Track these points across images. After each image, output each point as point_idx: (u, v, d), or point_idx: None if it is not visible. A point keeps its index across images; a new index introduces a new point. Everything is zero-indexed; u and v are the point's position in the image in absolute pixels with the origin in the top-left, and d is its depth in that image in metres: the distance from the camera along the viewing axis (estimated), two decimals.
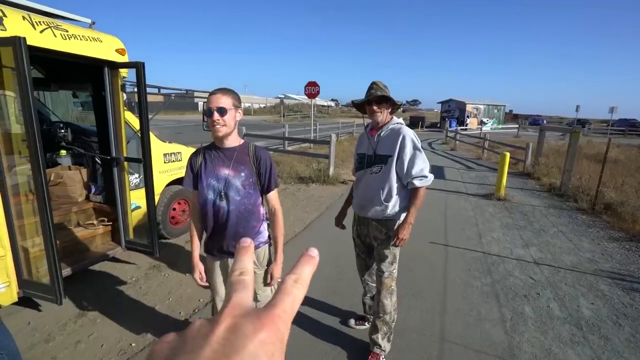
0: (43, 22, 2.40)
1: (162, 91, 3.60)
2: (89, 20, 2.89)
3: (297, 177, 7.51)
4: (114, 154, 3.06)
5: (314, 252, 0.31)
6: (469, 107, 32.53)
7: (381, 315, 2.10)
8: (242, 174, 1.65)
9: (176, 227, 4.06)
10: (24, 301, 2.50)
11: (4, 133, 2.29)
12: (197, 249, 1.78)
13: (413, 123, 33.07)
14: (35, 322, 2.49)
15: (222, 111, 1.56)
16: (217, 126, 1.57)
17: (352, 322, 2.52)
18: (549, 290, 3.12)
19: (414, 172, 1.92)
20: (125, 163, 3.10)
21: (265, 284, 1.83)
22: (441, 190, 6.89)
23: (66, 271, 2.77)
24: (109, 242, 3.32)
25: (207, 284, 1.83)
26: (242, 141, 1.72)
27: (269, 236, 1.84)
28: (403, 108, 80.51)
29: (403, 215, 2.03)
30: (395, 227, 2.02)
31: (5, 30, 2.15)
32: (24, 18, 2.29)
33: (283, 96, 67.04)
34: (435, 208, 5.58)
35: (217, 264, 1.80)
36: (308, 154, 9.30)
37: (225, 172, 1.64)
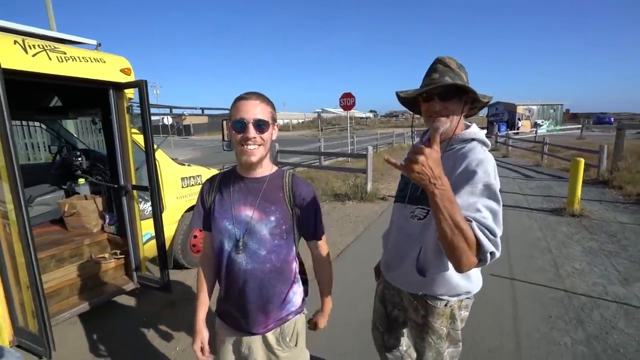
0: (37, 45, 2.22)
1: (174, 111, 3.36)
2: (94, 42, 2.74)
3: (333, 194, 7.01)
4: (121, 182, 2.82)
5: None
6: (519, 109, 30.10)
7: None
8: (272, 218, 1.14)
9: (197, 255, 3.76)
10: None
11: None
12: (203, 308, 1.27)
13: None
14: None
15: (262, 125, 1.06)
16: (251, 147, 1.06)
17: None
18: None
19: None
20: (134, 191, 2.85)
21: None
22: None
23: (76, 310, 2.57)
24: (122, 277, 3.07)
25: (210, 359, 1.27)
26: (274, 168, 1.20)
27: (303, 300, 1.30)
28: None
29: (461, 293, 1.19)
30: (444, 310, 1.21)
31: None
32: (15, 42, 2.12)
33: (320, 110, 67.76)
34: None
35: (230, 340, 1.26)
36: (344, 169, 8.79)
37: (248, 213, 1.14)
